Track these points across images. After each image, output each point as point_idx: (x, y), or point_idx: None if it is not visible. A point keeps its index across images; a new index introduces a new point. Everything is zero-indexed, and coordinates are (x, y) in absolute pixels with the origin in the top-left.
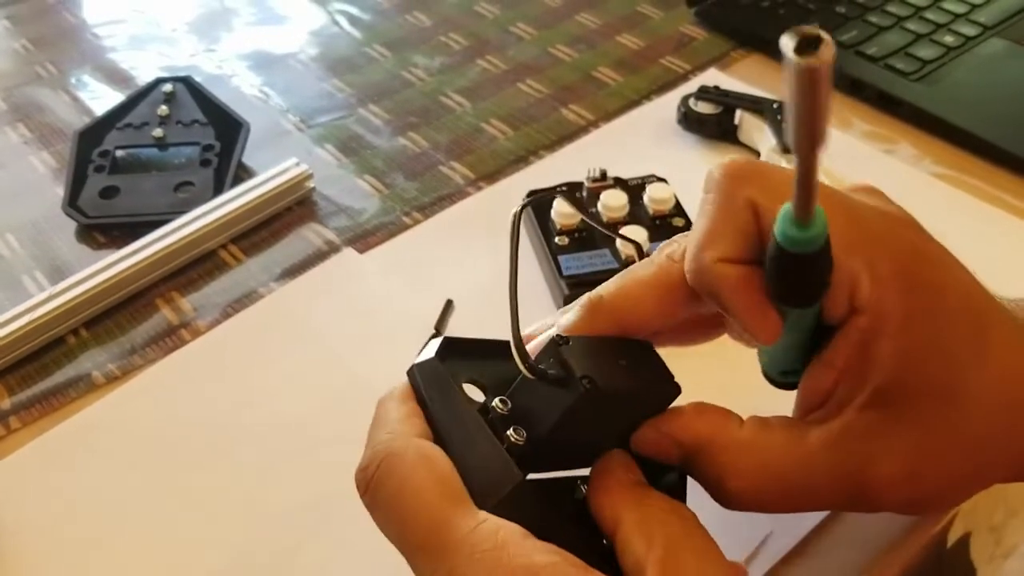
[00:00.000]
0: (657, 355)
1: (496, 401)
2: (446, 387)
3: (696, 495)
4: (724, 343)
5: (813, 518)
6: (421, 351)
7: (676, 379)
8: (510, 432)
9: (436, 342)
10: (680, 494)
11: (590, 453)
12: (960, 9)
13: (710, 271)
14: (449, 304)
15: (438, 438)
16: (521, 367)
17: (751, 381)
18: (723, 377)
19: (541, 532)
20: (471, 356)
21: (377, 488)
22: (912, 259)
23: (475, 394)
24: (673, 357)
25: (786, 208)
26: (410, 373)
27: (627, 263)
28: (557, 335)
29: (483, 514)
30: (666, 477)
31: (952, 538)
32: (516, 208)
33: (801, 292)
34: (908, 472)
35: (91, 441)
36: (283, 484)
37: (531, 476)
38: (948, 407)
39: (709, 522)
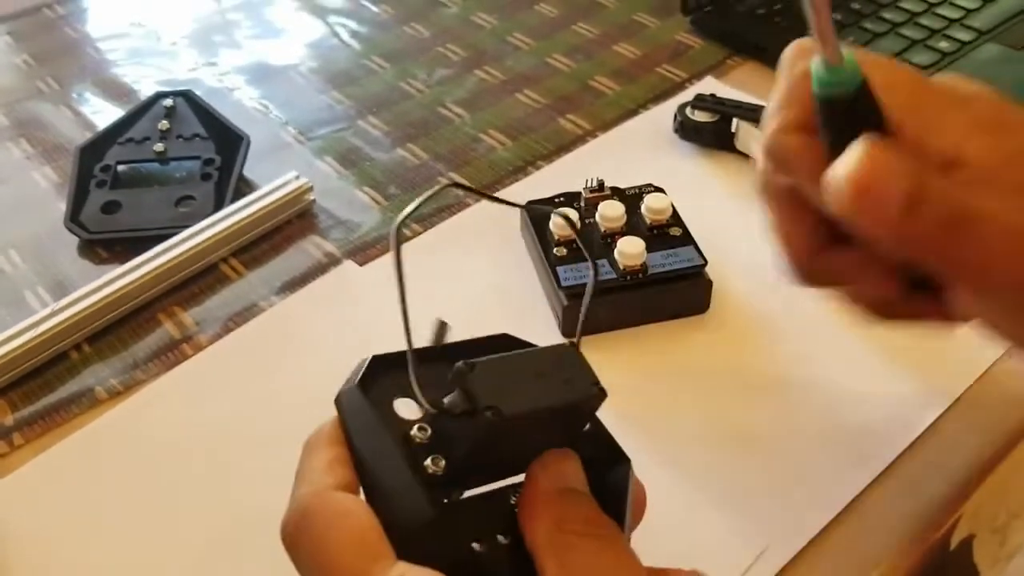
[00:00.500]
0: (582, 360)
1: (415, 430)
2: (365, 417)
3: (680, 514)
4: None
5: (810, 530)
6: (349, 376)
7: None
8: (428, 462)
9: (363, 364)
10: (623, 492)
11: (523, 461)
12: (955, 14)
13: (774, 140)
14: (443, 326)
15: (359, 470)
16: (423, 403)
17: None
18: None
19: (456, 565)
20: (403, 367)
21: (295, 547)
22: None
23: (410, 408)
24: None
25: (816, 59)
26: (336, 402)
27: (625, 273)
28: (464, 362)
29: (400, 566)
30: (614, 470)
31: (955, 541)
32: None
33: (849, 138)
34: None
35: (94, 457)
36: (285, 498)
37: (466, 493)
38: None
39: (703, 544)
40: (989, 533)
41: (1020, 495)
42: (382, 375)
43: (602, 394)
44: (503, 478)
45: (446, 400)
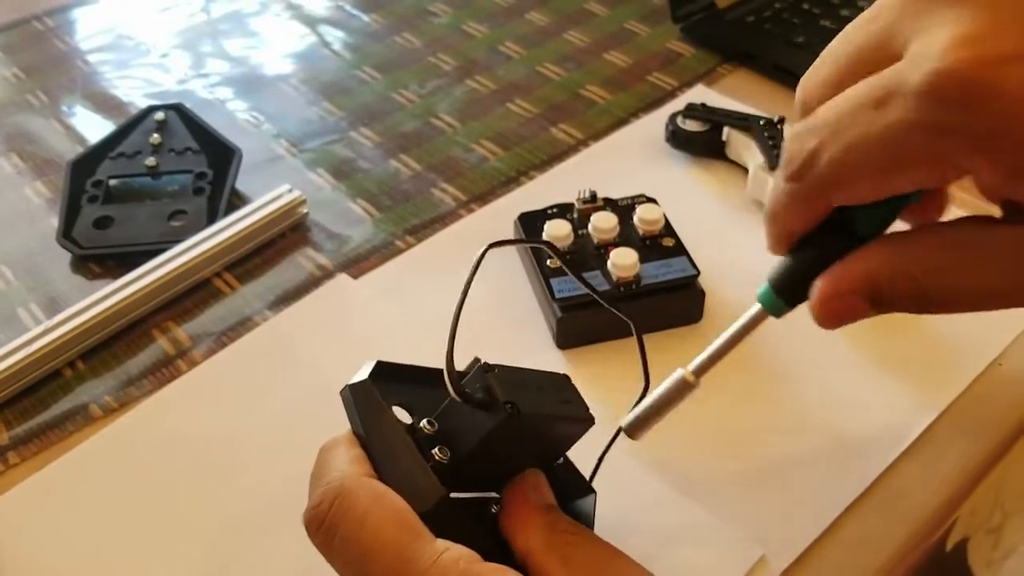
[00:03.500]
0: (575, 389)
1: (424, 422)
2: (376, 406)
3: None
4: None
5: (806, 537)
6: (357, 374)
7: None
8: (435, 451)
9: (369, 365)
10: (589, 519)
11: (506, 475)
12: None
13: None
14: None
15: (369, 456)
16: (450, 389)
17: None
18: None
19: (471, 544)
20: (401, 380)
21: (333, 527)
22: None
23: (403, 416)
24: None
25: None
26: (343, 393)
27: (619, 284)
28: (484, 363)
29: (440, 543)
30: (580, 500)
31: (951, 543)
32: (481, 249)
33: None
34: None
35: (90, 475)
36: (283, 513)
37: (452, 495)
38: None
39: (698, 552)
40: (984, 534)
41: (1014, 495)
42: (383, 380)
43: (592, 420)
44: (487, 488)
45: (467, 389)
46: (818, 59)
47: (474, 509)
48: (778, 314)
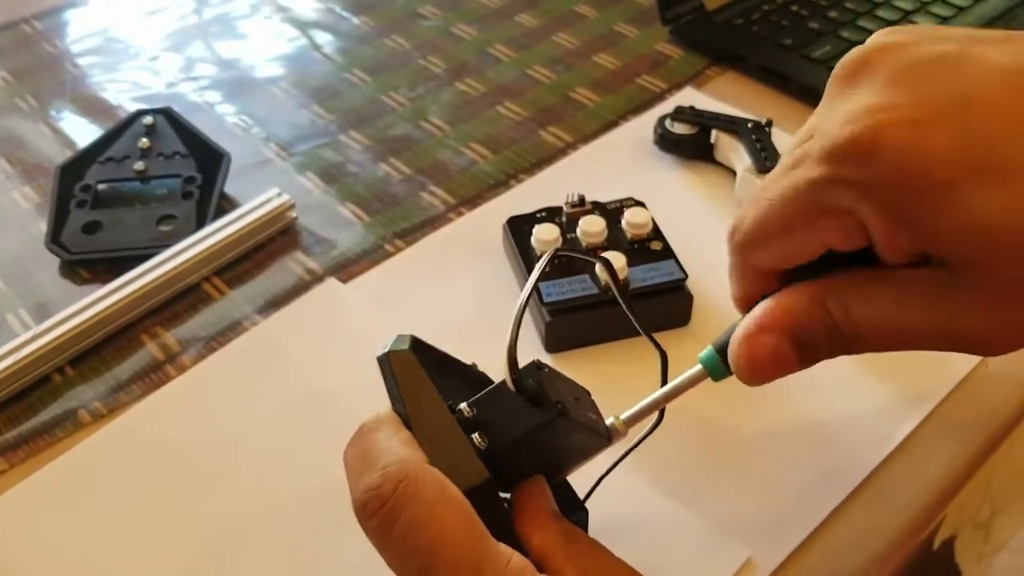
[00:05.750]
0: (596, 406)
1: (464, 405)
2: (421, 379)
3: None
4: None
5: (792, 539)
6: (388, 343)
7: None
8: (475, 436)
9: (405, 337)
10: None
11: (522, 476)
12: (947, 12)
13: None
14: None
15: (405, 423)
16: (508, 376)
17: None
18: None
19: (494, 534)
20: (429, 362)
21: (396, 512)
22: None
23: None
24: None
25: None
26: (382, 360)
27: (606, 288)
28: (537, 360)
29: (503, 547)
30: (573, 517)
31: (939, 541)
32: (544, 256)
33: None
34: None
35: (78, 481)
36: (273, 518)
37: None
38: None
39: (685, 555)
40: (972, 529)
41: (1002, 490)
42: (417, 355)
43: (610, 441)
44: (501, 485)
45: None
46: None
47: (499, 502)
48: (717, 378)
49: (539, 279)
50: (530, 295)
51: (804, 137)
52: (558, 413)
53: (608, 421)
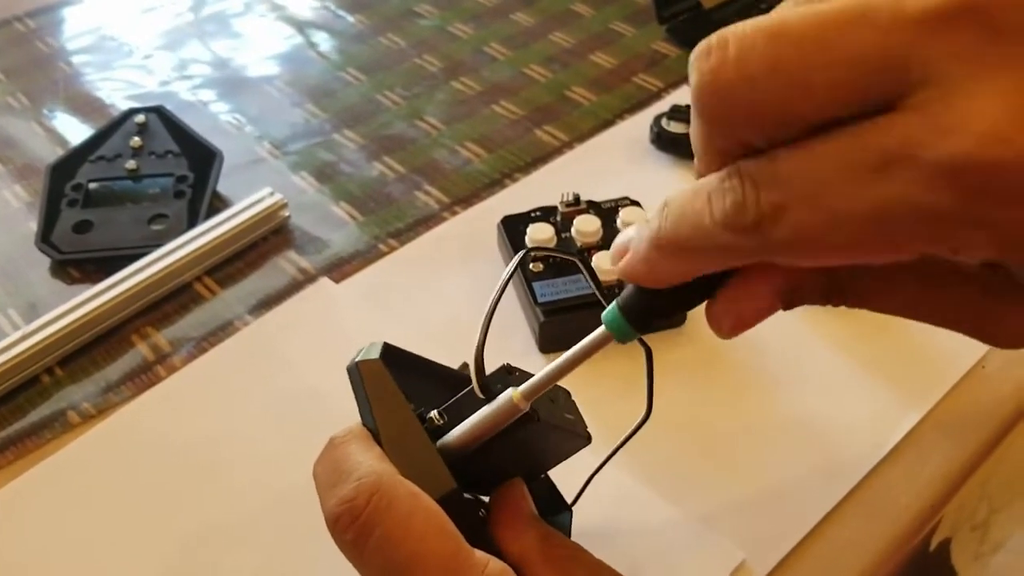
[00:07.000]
0: (575, 405)
1: (434, 413)
2: (390, 388)
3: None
4: None
5: (787, 541)
6: (360, 352)
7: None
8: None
9: (377, 345)
10: (567, 533)
11: (497, 480)
12: None
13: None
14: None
15: (375, 436)
16: (475, 384)
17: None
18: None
19: (471, 542)
20: (403, 367)
21: (370, 525)
22: None
23: None
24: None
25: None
26: (350, 369)
27: (603, 288)
28: (507, 364)
29: (480, 554)
30: (557, 516)
31: (935, 543)
32: (516, 257)
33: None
34: None
35: (67, 483)
36: (264, 518)
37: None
38: None
39: (680, 558)
40: (969, 530)
41: (1000, 490)
42: (388, 362)
43: (588, 440)
44: (478, 492)
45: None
46: (759, 35)
47: (470, 509)
48: (623, 340)
49: (533, 279)
50: (498, 300)
51: (876, 71)
52: (526, 417)
53: (506, 394)
